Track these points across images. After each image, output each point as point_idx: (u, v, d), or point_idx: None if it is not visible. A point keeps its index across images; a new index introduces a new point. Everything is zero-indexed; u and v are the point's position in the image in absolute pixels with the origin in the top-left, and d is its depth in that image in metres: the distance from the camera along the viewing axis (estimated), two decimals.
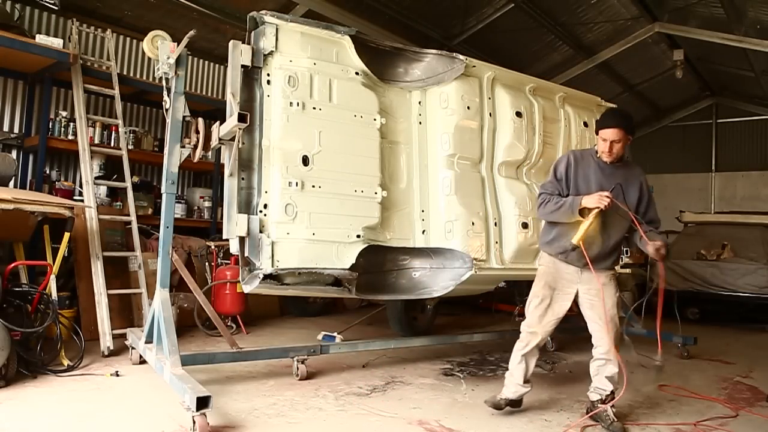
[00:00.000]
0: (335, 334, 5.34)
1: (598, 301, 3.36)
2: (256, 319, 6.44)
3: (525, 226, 4.55)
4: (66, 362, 4.05)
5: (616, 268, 3.58)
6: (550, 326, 3.47)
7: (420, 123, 4.46)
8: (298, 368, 4.17)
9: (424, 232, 4.33)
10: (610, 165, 3.38)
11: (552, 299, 3.45)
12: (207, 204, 7.15)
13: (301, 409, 3.49)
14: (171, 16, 6.82)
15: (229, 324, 5.74)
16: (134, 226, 5.28)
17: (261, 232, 3.61)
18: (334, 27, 4.07)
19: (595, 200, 3.18)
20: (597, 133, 3.39)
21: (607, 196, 3.17)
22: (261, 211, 3.64)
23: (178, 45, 3.81)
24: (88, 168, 5.16)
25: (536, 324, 3.46)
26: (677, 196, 13.29)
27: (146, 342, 4.00)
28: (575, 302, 3.48)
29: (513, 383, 3.52)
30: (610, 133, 3.28)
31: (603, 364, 3.42)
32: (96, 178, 5.49)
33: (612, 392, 3.38)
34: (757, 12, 7.92)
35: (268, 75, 3.76)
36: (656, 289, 3.33)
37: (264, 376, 4.22)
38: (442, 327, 6.60)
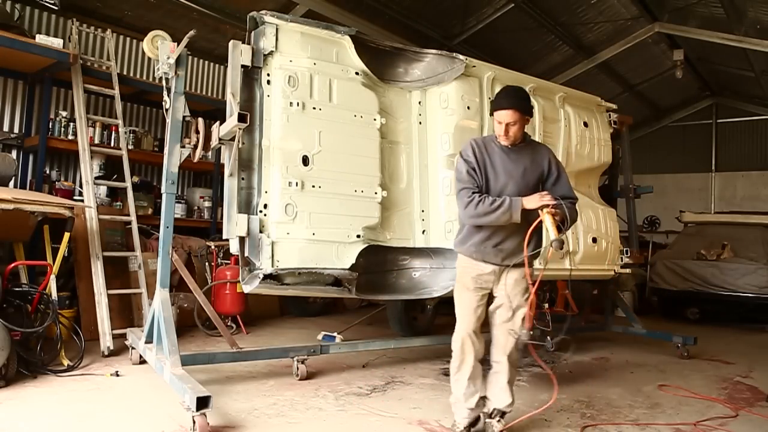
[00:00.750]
0: (335, 334, 5.34)
1: (506, 302, 3.10)
2: (256, 319, 6.44)
3: None
4: (66, 362, 4.05)
5: (534, 263, 3.20)
6: (479, 332, 3.11)
7: (420, 123, 4.46)
8: (298, 368, 4.17)
9: (424, 232, 4.33)
10: (513, 148, 3.11)
11: (477, 302, 3.11)
12: (207, 204, 7.16)
13: (301, 409, 3.49)
14: (171, 16, 6.82)
15: (229, 324, 5.74)
16: (134, 226, 5.29)
17: (261, 232, 3.61)
18: (334, 27, 4.07)
19: (537, 200, 2.89)
20: (491, 115, 3.11)
21: (546, 193, 2.92)
22: (261, 211, 3.64)
23: (178, 45, 3.81)
24: (88, 168, 5.16)
25: (469, 334, 3.07)
26: (677, 196, 13.31)
27: (146, 342, 4.00)
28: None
29: (463, 408, 3.12)
30: (504, 115, 3.00)
31: (497, 372, 3.15)
32: (96, 178, 5.50)
33: (504, 410, 3.16)
34: (757, 12, 7.93)
35: (268, 75, 3.76)
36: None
37: (264, 376, 4.22)
38: (442, 327, 6.59)
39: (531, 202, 2.91)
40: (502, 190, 3.04)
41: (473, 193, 2.98)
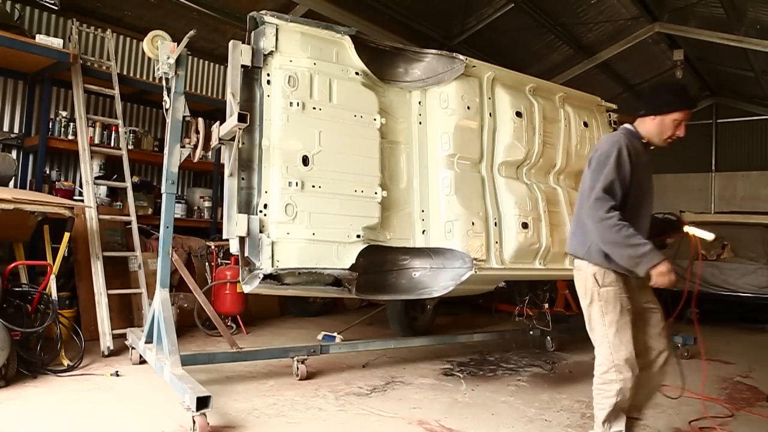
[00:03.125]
0: (335, 334, 5.34)
1: (655, 306, 2.87)
2: (256, 319, 6.44)
3: (525, 226, 4.55)
4: (66, 362, 4.06)
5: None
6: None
7: (420, 123, 4.45)
8: (298, 368, 4.17)
9: (424, 232, 4.33)
10: (646, 150, 2.80)
11: (629, 325, 2.71)
12: (207, 204, 7.16)
13: (301, 409, 3.49)
14: (171, 16, 6.82)
15: (229, 324, 5.74)
16: (134, 226, 5.29)
17: (261, 232, 3.61)
18: (334, 27, 4.07)
19: (664, 280, 2.48)
20: (674, 112, 2.69)
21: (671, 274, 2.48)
22: (261, 211, 3.64)
23: (178, 45, 3.81)
24: (88, 168, 5.16)
25: (629, 361, 2.66)
26: (677, 196, 13.30)
27: (146, 342, 4.01)
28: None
29: None
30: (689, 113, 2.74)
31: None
32: (96, 178, 5.50)
33: None
34: (757, 12, 7.93)
35: (268, 75, 3.76)
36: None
37: (264, 376, 4.22)
38: (442, 327, 6.60)
39: (660, 277, 2.46)
40: (641, 204, 2.69)
41: (614, 209, 2.51)
